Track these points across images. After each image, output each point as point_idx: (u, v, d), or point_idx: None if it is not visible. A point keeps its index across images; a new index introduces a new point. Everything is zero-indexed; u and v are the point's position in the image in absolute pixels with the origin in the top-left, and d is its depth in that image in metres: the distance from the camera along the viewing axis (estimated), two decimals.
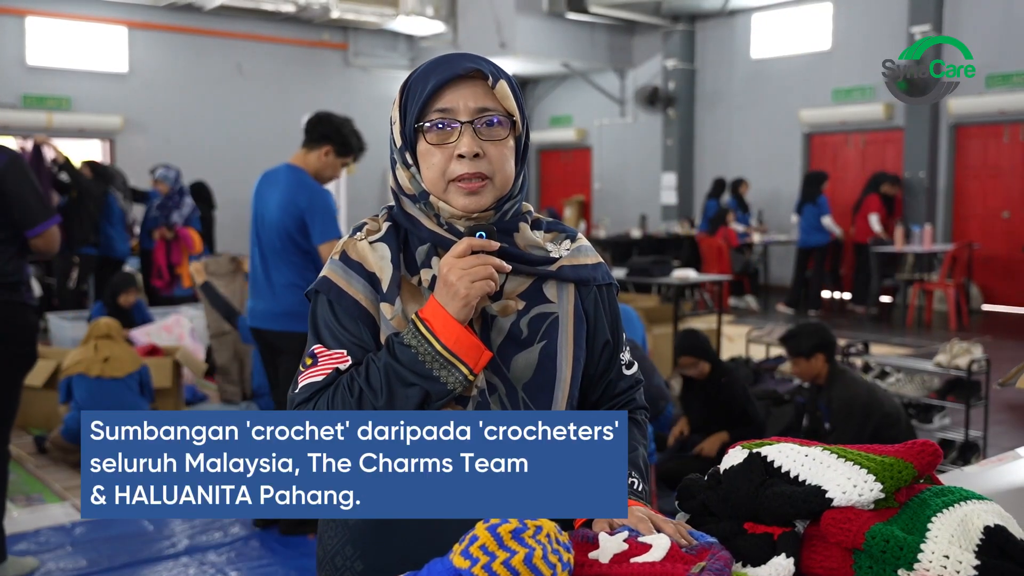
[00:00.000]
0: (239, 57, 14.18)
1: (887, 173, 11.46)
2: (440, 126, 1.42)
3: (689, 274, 8.21)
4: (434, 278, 1.43)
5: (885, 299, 11.46)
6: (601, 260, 1.56)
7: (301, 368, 1.45)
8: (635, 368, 1.60)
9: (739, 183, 12.52)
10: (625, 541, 1.25)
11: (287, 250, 4.03)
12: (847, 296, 12.00)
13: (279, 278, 4.06)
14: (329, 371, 1.42)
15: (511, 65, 13.67)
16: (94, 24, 13.08)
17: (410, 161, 1.45)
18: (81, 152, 9.76)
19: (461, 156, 1.40)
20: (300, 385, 1.43)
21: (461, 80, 1.42)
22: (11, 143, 12.55)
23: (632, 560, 1.21)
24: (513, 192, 1.47)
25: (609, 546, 1.24)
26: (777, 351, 6.40)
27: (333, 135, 4.12)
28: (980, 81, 11.14)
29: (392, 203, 1.53)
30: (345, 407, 1.38)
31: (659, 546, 1.22)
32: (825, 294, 11.89)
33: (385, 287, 1.44)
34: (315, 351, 1.44)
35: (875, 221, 10.95)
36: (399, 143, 1.47)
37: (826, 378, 4.51)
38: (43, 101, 12.30)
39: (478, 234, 1.39)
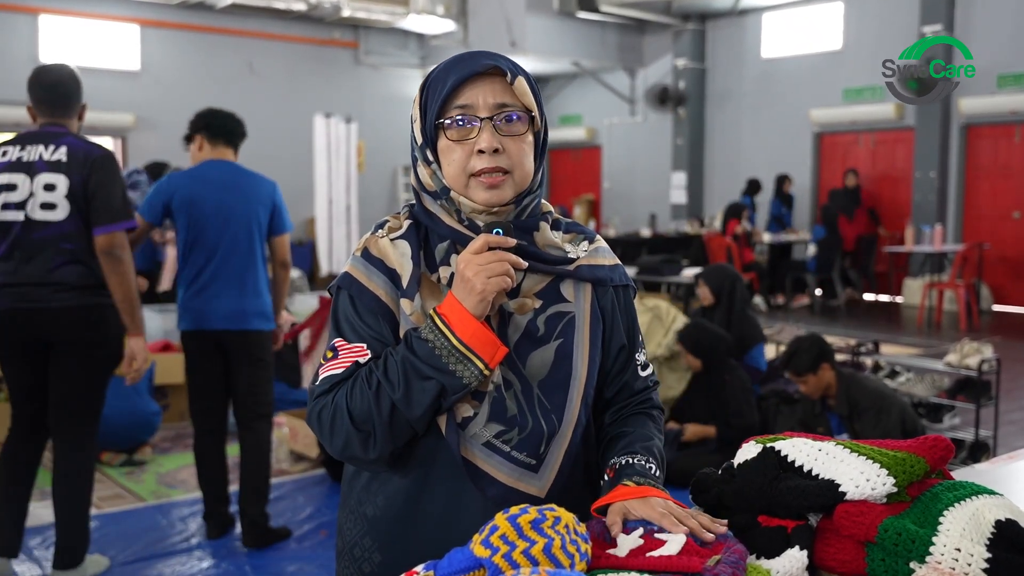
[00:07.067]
0: (250, 55, 14.22)
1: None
2: (460, 122, 1.43)
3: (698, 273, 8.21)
4: (452, 275, 1.44)
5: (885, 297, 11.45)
6: (618, 262, 1.57)
7: (322, 361, 1.48)
8: (651, 369, 1.62)
9: (783, 180, 12.52)
10: (641, 537, 1.27)
11: (260, 246, 3.99)
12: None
13: (252, 276, 3.97)
14: (349, 364, 1.44)
15: (521, 64, 13.69)
16: (106, 22, 13.14)
17: (431, 158, 1.47)
18: None
19: (481, 152, 1.42)
20: (321, 377, 1.46)
21: (480, 77, 1.43)
22: None
23: (648, 555, 1.23)
24: (532, 187, 1.49)
25: (626, 543, 1.26)
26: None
27: (238, 130, 4.08)
28: (991, 81, 11.12)
29: (413, 201, 1.55)
30: (363, 399, 1.40)
31: (674, 540, 1.24)
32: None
33: (405, 283, 1.45)
34: (336, 344, 1.47)
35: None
36: (420, 140, 1.48)
37: (836, 388, 4.47)
38: None
39: (495, 231, 1.41)
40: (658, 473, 1.45)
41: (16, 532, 3.58)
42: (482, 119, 1.42)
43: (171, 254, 6.99)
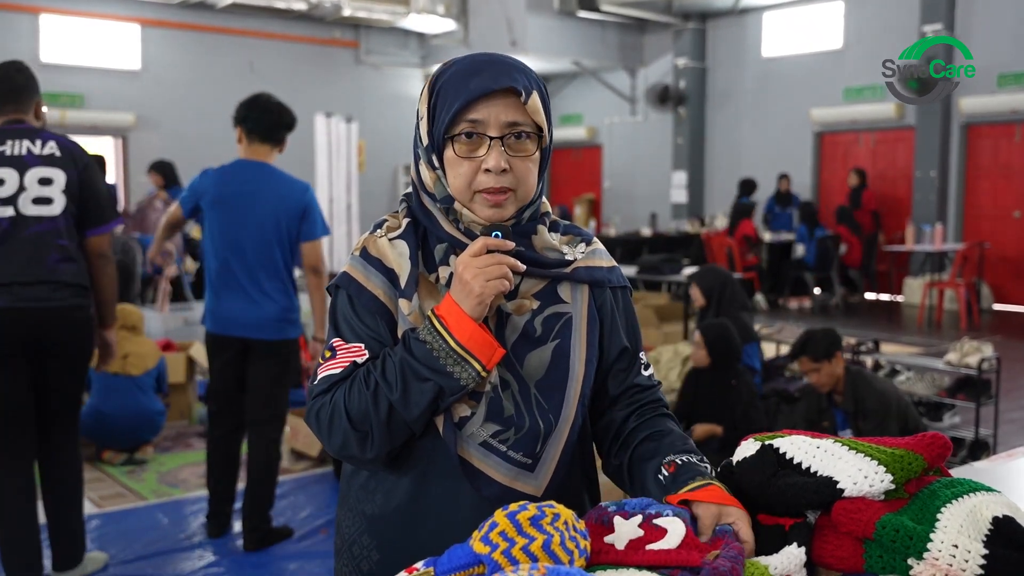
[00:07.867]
0: (251, 55, 14.23)
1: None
2: (470, 137, 1.42)
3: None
4: (451, 276, 1.44)
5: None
6: (615, 264, 1.57)
7: (320, 360, 1.48)
8: (651, 369, 1.62)
9: (780, 178, 12.55)
10: (640, 526, 1.27)
11: (283, 252, 3.90)
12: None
13: (273, 283, 3.89)
14: (347, 364, 1.45)
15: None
16: (107, 22, 13.15)
17: (436, 164, 1.46)
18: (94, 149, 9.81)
19: (487, 170, 1.41)
20: (319, 377, 1.47)
21: (494, 92, 1.41)
22: None
23: (648, 547, 1.24)
24: (533, 200, 1.49)
25: (624, 531, 1.26)
26: (788, 349, 6.40)
27: (281, 123, 3.97)
28: (992, 80, 11.13)
29: (410, 190, 1.55)
30: (361, 399, 1.40)
31: (674, 532, 1.24)
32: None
33: (403, 283, 1.46)
34: (334, 344, 1.47)
35: None
36: (426, 142, 1.47)
37: (844, 383, 4.45)
38: (56, 98, 12.37)
39: (494, 233, 1.41)
40: (709, 469, 1.43)
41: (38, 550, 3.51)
42: (492, 138, 1.41)
43: (164, 286, 7.01)
